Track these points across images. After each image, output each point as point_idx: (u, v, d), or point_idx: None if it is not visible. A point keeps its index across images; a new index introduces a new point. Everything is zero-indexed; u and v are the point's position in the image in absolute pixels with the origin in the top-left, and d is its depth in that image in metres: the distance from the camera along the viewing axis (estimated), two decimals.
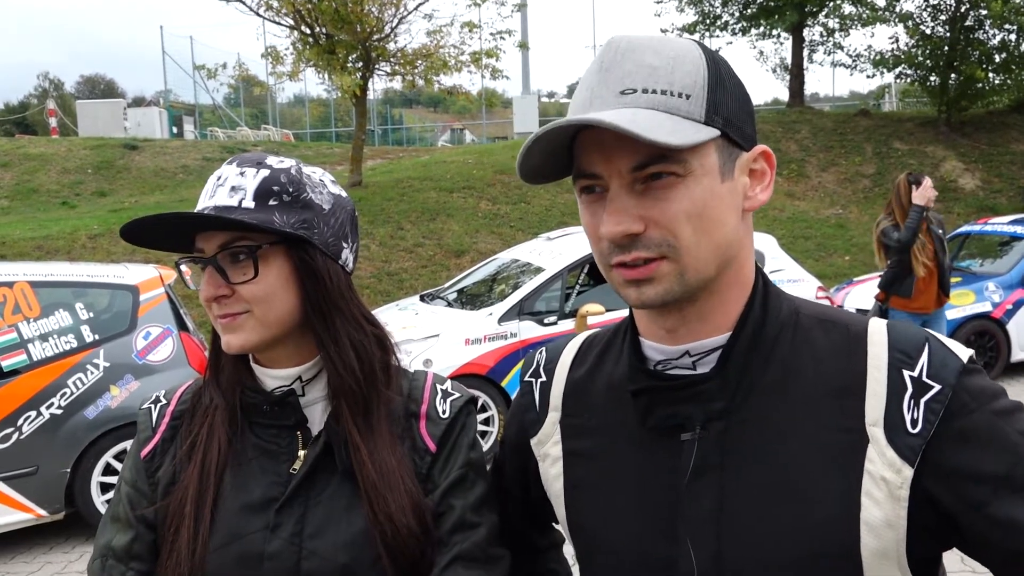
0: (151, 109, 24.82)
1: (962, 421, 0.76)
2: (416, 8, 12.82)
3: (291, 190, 1.04)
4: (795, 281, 6.95)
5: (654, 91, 0.77)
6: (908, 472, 0.75)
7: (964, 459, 0.75)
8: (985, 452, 0.75)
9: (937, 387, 0.77)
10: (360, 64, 12.67)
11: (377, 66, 12.91)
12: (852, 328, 0.84)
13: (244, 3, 12.49)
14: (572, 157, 0.83)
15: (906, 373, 0.78)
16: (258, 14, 12.63)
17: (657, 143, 0.72)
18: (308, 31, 12.51)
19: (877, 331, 0.82)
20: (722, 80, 0.81)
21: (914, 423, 0.76)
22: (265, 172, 1.03)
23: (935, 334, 0.82)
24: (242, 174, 1.03)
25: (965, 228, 8.89)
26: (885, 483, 0.76)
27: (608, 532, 0.91)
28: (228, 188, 1.02)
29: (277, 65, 13.26)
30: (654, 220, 0.78)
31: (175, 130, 24.99)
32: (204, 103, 30.58)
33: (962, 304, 7.25)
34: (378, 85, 20.45)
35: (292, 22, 12.56)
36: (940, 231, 5.44)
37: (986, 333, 7.33)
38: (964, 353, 0.79)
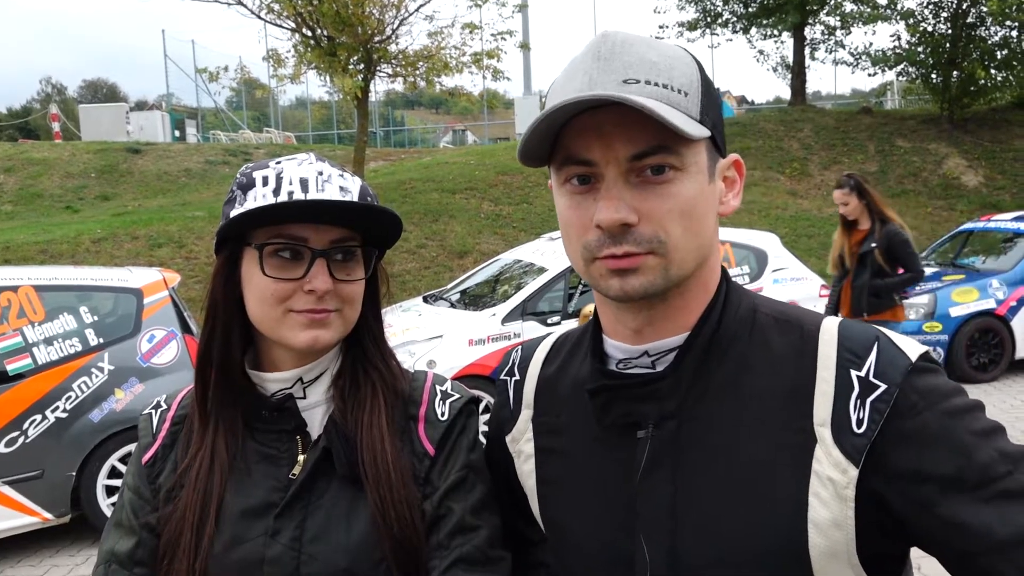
0: (153, 113, 24.88)
1: (910, 421, 0.75)
2: (417, 10, 12.85)
3: (372, 195, 1.08)
4: (798, 279, 6.95)
5: (656, 83, 0.78)
6: (853, 472, 0.75)
7: (911, 460, 0.74)
8: (933, 452, 0.74)
9: (883, 387, 0.76)
10: (361, 66, 12.68)
11: (378, 68, 12.92)
12: (806, 327, 0.84)
13: (246, 6, 12.52)
14: (556, 144, 0.81)
15: (853, 373, 0.77)
16: (260, 17, 12.67)
17: (678, 127, 0.73)
18: (309, 34, 12.52)
19: (829, 330, 0.82)
20: (709, 86, 0.83)
21: (859, 423, 0.75)
22: (357, 178, 1.07)
23: (888, 333, 0.81)
24: (342, 175, 1.05)
25: (968, 225, 8.89)
26: (832, 483, 0.76)
27: (574, 527, 0.92)
28: (336, 187, 1.03)
29: (279, 68, 13.30)
30: (647, 215, 0.78)
31: (177, 134, 25.03)
32: (206, 106, 30.64)
33: (966, 301, 7.26)
34: (379, 87, 20.47)
35: (293, 25, 12.57)
36: (872, 245, 4.78)
37: (990, 330, 7.32)
38: (915, 351, 0.78)
